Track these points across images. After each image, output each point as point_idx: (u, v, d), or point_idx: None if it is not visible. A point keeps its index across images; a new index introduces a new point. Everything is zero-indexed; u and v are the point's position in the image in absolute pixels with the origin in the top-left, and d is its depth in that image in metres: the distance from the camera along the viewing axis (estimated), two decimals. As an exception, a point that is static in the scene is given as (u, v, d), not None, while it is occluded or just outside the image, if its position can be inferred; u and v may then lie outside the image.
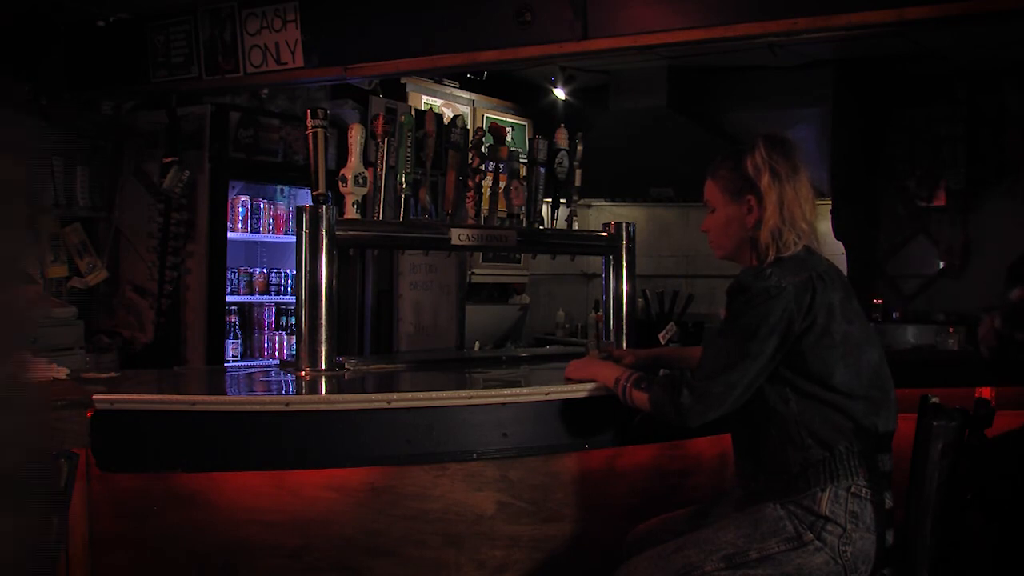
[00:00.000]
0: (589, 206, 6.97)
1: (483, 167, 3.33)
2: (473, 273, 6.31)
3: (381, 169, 3.08)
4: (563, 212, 3.54)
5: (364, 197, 3.05)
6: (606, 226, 3.57)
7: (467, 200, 3.30)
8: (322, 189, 2.96)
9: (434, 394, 2.50)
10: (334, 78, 4.89)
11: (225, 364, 5.29)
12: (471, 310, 6.07)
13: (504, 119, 6.63)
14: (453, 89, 6.47)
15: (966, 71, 6.05)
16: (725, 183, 2.41)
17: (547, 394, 2.61)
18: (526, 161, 3.46)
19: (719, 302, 2.36)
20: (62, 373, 2.72)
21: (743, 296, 2.25)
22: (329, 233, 2.88)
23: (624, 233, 3.53)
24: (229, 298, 5.45)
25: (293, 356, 3.76)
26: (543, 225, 3.50)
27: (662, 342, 3.72)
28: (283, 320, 5.85)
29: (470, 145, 3.31)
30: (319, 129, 2.97)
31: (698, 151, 5.78)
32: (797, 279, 2.24)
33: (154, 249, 5.27)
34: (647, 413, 2.38)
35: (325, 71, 4.71)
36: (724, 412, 2.25)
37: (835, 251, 5.82)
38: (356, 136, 3.05)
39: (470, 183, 3.30)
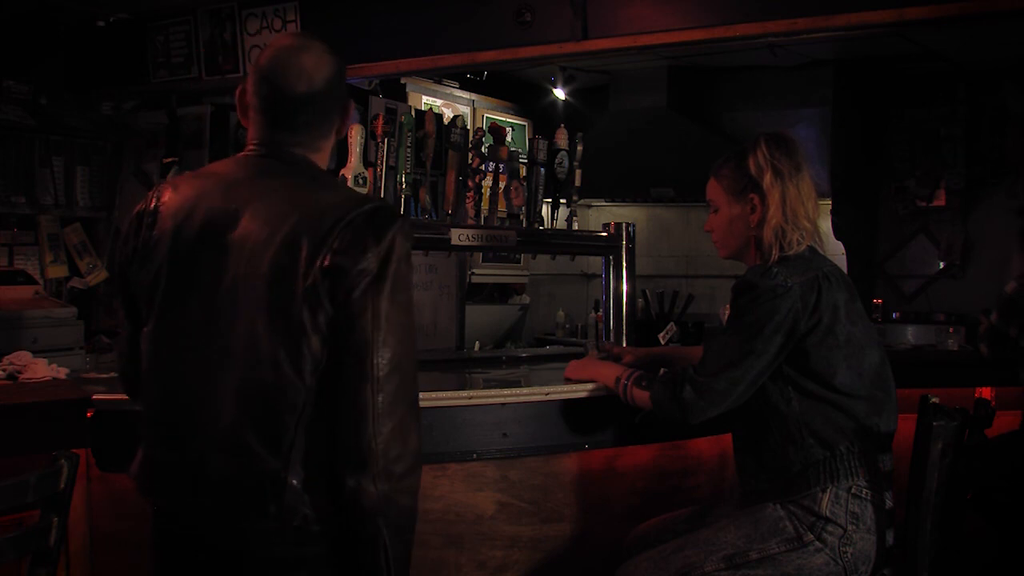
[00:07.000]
0: (589, 206, 6.96)
1: (483, 167, 3.33)
2: (473, 273, 6.29)
3: (381, 169, 3.07)
4: (563, 212, 3.53)
5: (364, 197, 3.05)
6: (606, 226, 3.57)
7: (467, 200, 3.30)
8: (322, 189, 2.96)
9: (434, 394, 2.50)
10: (334, 78, 4.88)
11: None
12: (471, 310, 6.06)
13: (504, 119, 6.62)
14: (453, 89, 6.46)
15: (966, 71, 6.05)
16: (728, 182, 2.40)
17: (547, 394, 2.61)
18: (526, 161, 3.45)
19: (719, 302, 2.37)
20: (62, 373, 2.72)
21: (750, 294, 2.25)
22: (329, 233, 2.87)
23: (624, 233, 3.52)
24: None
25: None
26: (543, 225, 3.50)
27: (662, 342, 3.72)
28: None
29: (470, 145, 3.31)
30: (319, 129, 2.97)
31: (698, 151, 5.80)
32: (803, 278, 2.24)
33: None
34: (647, 412, 2.38)
35: (325, 71, 4.70)
36: (725, 409, 2.25)
37: (835, 251, 5.81)
38: (356, 136, 3.05)
39: (470, 183, 3.30)
